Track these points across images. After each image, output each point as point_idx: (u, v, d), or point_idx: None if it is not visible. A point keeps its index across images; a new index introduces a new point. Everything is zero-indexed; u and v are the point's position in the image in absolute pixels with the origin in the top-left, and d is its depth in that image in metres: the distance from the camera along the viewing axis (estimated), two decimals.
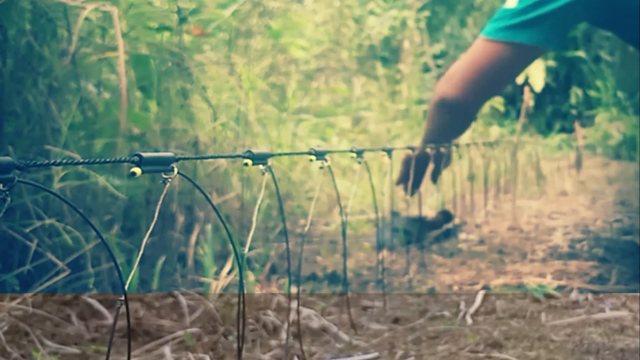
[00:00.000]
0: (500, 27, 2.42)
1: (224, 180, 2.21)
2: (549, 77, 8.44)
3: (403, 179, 2.66)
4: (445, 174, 2.98)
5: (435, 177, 2.73)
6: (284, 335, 1.53)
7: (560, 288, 1.96)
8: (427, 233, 2.67)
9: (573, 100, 8.58)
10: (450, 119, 2.56)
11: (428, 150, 2.48)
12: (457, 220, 2.94)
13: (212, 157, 2.06)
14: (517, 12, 2.38)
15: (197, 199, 2.04)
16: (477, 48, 2.49)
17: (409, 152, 2.57)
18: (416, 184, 2.59)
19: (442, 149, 2.57)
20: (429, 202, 3.26)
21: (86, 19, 1.84)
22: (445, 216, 2.82)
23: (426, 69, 8.07)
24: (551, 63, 8.53)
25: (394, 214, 2.69)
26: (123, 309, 0.78)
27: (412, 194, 2.61)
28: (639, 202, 3.54)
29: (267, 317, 1.58)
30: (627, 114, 7.26)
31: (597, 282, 2.04)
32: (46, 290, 1.60)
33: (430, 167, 2.61)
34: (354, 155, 1.58)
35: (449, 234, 2.76)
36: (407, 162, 2.64)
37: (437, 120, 2.60)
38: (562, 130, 8.19)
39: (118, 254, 1.76)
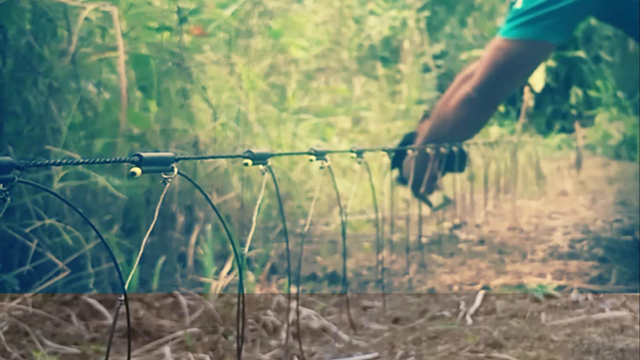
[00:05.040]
0: (511, 27, 2.50)
1: (224, 180, 2.21)
2: (549, 77, 8.44)
3: (410, 181, 2.60)
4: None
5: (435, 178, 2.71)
6: (284, 335, 1.53)
7: (560, 288, 1.96)
8: None
9: (573, 100, 8.58)
10: (468, 116, 2.58)
11: (429, 150, 2.47)
12: (457, 220, 2.94)
13: (212, 157, 2.06)
14: (525, 11, 2.46)
15: (197, 199, 2.04)
16: (492, 47, 2.58)
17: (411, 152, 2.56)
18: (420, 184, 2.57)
19: (443, 150, 2.57)
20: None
21: (86, 19, 1.84)
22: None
23: (426, 69, 8.06)
24: (551, 63, 8.52)
25: None
26: (123, 309, 0.78)
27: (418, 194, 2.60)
28: (639, 202, 3.54)
29: (267, 317, 1.58)
30: (627, 114, 7.26)
31: (597, 282, 2.04)
32: (46, 290, 1.60)
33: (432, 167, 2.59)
34: (354, 155, 1.58)
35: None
36: (419, 162, 2.59)
37: (453, 118, 2.61)
38: (562, 130, 8.19)
39: (118, 254, 1.76)
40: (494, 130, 6.43)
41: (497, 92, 2.64)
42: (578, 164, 5.67)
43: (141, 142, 1.97)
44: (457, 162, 2.71)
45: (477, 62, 2.69)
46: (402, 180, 2.74)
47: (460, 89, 2.65)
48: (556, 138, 7.69)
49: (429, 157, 2.42)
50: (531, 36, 2.49)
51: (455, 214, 3.00)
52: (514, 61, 2.53)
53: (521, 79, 2.72)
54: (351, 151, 1.58)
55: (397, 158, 2.71)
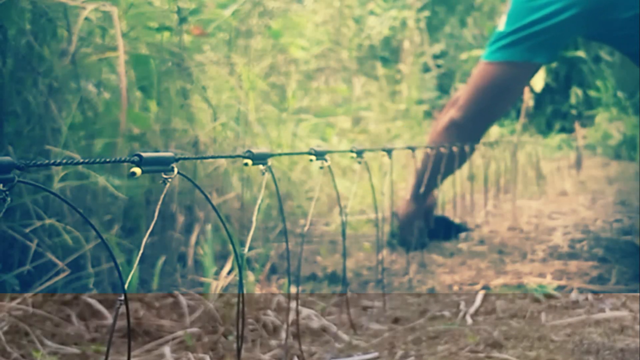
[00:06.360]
0: (493, 49, 2.50)
1: (224, 180, 2.21)
2: (549, 77, 8.44)
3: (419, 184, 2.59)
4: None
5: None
6: (284, 335, 1.53)
7: (560, 288, 1.96)
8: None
9: (573, 100, 8.58)
10: (454, 142, 2.57)
11: (429, 151, 2.47)
12: (457, 220, 2.94)
13: (212, 157, 2.06)
14: (508, 33, 2.45)
15: (197, 199, 2.04)
16: (477, 71, 2.57)
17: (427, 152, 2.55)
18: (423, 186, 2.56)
19: (443, 149, 2.57)
20: None
21: (86, 19, 1.84)
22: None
23: (426, 69, 8.07)
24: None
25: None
26: (123, 309, 0.78)
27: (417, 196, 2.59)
28: (639, 202, 3.54)
29: (267, 317, 1.58)
30: (627, 114, 7.26)
31: (597, 282, 2.04)
32: (46, 290, 1.60)
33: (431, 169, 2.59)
34: (354, 155, 1.58)
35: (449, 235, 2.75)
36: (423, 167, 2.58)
37: (439, 144, 2.61)
38: (562, 130, 8.19)
39: (118, 254, 1.76)
40: (494, 130, 6.43)
41: (482, 116, 2.62)
42: (578, 164, 5.68)
43: (141, 142, 1.97)
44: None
45: (464, 87, 2.69)
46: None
47: (447, 114, 2.65)
48: (556, 138, 7.69)
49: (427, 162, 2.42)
50: (514, 57, 2.47)
51: (455, 214, 3.00)
52: (497, 84, 2.51)
53: (506, 102, 2.69)
54: (351, 151, 1.58)
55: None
